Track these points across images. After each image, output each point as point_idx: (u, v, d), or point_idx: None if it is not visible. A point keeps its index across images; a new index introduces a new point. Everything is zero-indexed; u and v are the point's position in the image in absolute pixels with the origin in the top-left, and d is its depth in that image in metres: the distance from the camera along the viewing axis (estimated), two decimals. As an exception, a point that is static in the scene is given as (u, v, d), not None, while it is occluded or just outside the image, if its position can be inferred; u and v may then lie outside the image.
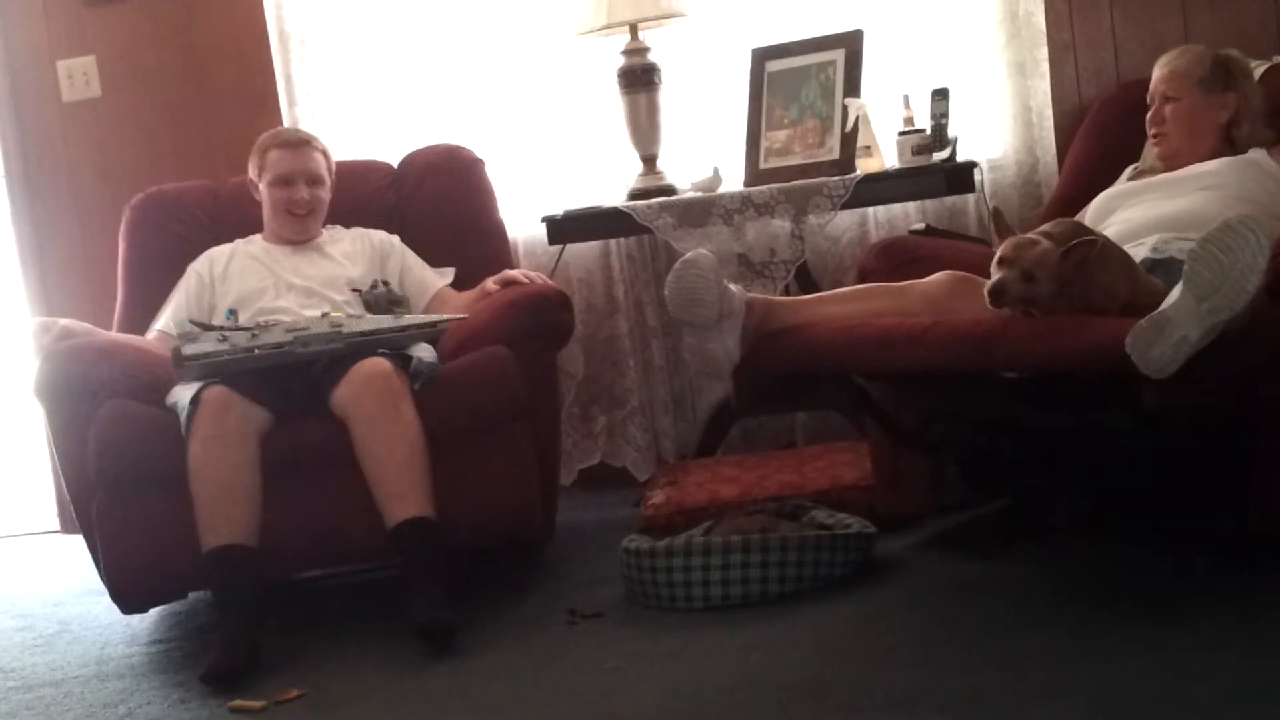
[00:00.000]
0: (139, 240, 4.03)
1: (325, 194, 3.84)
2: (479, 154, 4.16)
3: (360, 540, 3.25)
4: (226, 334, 3.32)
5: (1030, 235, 2.91)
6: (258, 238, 3.87)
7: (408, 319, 3.44)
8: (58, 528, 4.81)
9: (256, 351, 3.26)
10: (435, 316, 3.52)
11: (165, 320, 3.72)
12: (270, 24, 4.46)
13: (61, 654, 3.39)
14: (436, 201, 4.07)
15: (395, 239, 3.90)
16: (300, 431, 3.30)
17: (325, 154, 3.86)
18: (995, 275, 2.87)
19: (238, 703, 2.84)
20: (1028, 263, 2.82)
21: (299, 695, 2.86)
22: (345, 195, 3.93)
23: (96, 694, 3.05)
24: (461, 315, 3.54)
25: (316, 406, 3.30)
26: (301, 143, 3.83)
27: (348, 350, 3.31)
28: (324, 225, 3.88)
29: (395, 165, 4.19)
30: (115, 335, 3.68)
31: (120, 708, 2.94)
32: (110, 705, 2.96)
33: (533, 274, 3.70)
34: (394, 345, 3.36)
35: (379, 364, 3.27)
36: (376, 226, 3.95)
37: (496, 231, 4.08)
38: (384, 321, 3.42)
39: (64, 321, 3.49)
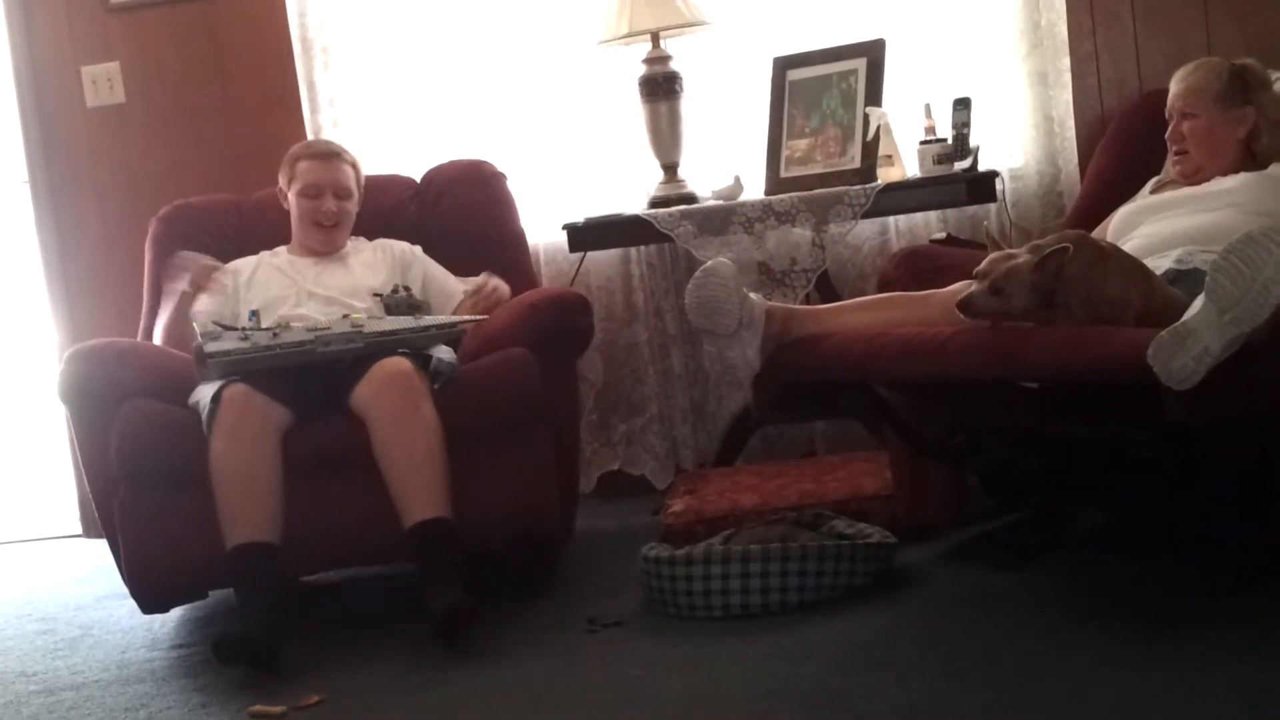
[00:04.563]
0: (165, 253, 4.01)
1: (353, 207, 3.85)
2: (501, 166, 4.16)
3: (381, 540, 3.26)
4: (248, 333, 3.34)
5: (1012, 250, 2.95)
6: (282, 250, 3.88)
7: (428, 320, 3.46)
8: (79, 531, 4.82)
9: (278, 350, 3.29)
10: (455, 318, 3.54)
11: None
12: (293, 31, 4.47)
13: (83, 658, 3.40)
14: (459, 215, 4.07)
15: (417, 249, 3.90)
16: (321, 431, 3.32)
17: (355, 166, 3.87)
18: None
19: (257, 708, 2.85)
20: (994, 277, 2.86)
21: (318, 701, 2.87)
22: (368, 208, 3.93)
23: (117, 698, 3.06)
24: (481, 317, 3.55)
25: (336, 406, 3.33)
26: (331, 154, 3.84)
27: (368, 350, 3.33)
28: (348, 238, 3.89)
29: (418, 179, 4.19)
30: (138, 340, 3.70)
31: (141, 712, 2.95)
32: (131, 710, 2.98)
33: (495, 279, 3.73)
34: (414, 346, 3.38)
35: (399, 363, 3.28)
36: (401, 238, 3.95)
37: (518, 244, 4.09)
38: (404, 322, 3.43)
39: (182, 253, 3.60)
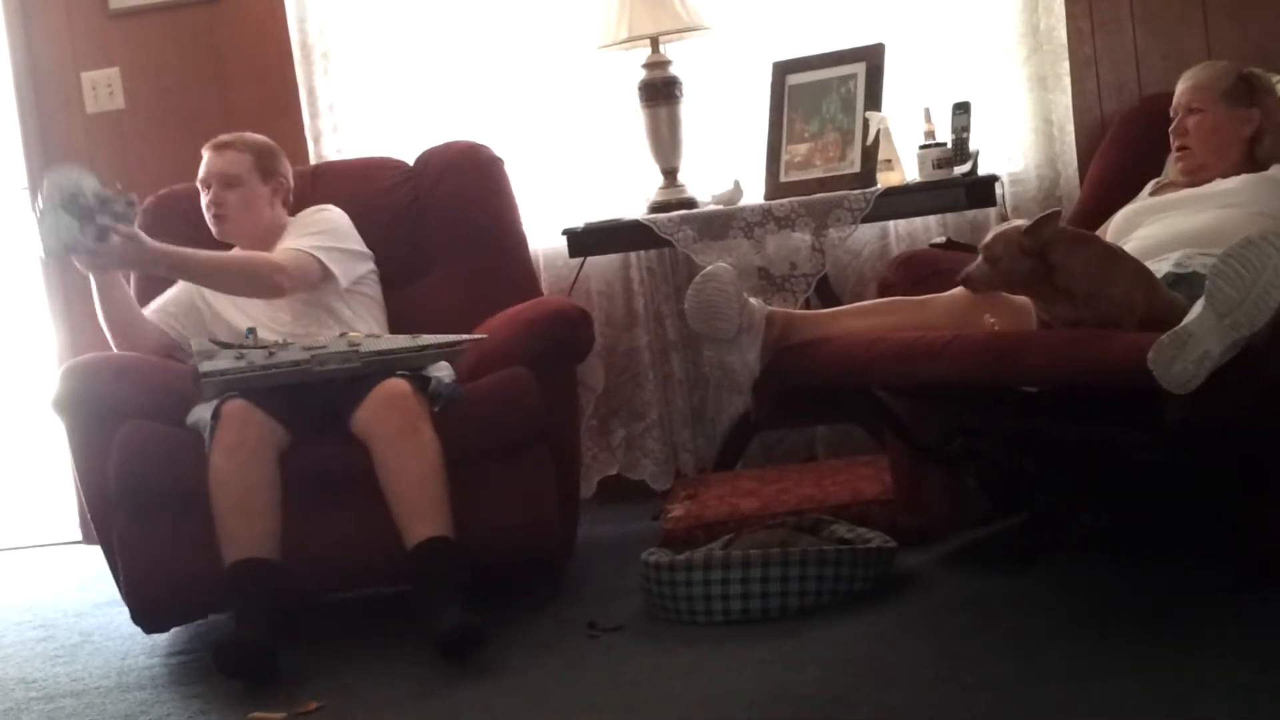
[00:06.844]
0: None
1: (248, 193, 3.73)
2: (497, 153, 4.13)
3: (380, 562, 3.23)
4: (244, 352, 3.31)
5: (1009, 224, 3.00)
6: None
7: (425, 339, 3.40)
8: (79, 538, 4.82)
9: (273, 370, 3.25)
10: (454, 337, 3.47)
11: (160, 302, 3.73)
12: (293, 37, 4.47)
13: (83, 665, 3.40)
14: (456, 201, 4.02)
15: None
16: (319, 452, 3.30)
17: (257, 152, 3.75)
18: None
19: (257, 714, 2.85)
20: (986, 243, 2.91)
21: (318, 707, 2.86)
22: (356, 191, 3.86)
23: (117, 705, 3.06)
24: (480, 336, 3.53)
25: (334, 427, 3.30)
26: (222, 145, 3.76)
27: (364, 370, 3.30)
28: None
29: (410, 163, 4.14)
30: (134, 355, 3.68)
31: (140, 719, 2.95)
32: (130, 716, 2.97)
33: None
34: (411, 365, 3.35)
35: (399, 385, 3.27)
36: (393, 224, 3.91)
37: (516, 233, 4.06)
38: (401, 341, 3.40)
39: None
